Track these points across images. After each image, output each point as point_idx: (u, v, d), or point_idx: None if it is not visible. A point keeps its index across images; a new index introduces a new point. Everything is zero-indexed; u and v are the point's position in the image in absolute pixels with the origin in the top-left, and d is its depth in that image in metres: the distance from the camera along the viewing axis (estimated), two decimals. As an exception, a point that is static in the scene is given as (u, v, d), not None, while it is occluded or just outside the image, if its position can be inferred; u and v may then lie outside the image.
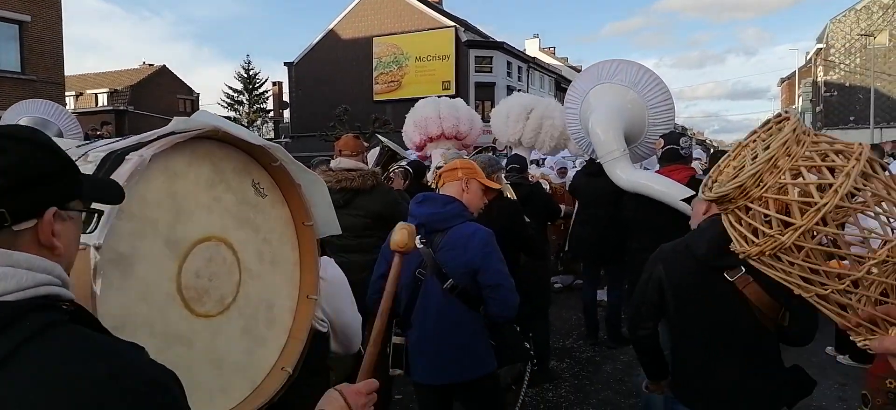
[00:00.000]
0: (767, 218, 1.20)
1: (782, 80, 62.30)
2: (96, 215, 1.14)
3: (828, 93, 41.81)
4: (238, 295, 1.56)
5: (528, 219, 5.27)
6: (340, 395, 1.43)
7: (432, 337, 3.05)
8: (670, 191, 4.99)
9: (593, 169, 6.42)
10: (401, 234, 2.04)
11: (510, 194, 5.55)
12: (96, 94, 43.52)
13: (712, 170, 1.46)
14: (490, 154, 7.82)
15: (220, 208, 1.56)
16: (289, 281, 1.77)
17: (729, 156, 1.46)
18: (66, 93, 24.19)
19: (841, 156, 1.17)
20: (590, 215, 6.52)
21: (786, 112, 1.41)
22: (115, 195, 1.18)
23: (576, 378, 5.83)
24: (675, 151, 5.25)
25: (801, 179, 1.17)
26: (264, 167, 1.71)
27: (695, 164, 6.13)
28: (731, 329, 2.56)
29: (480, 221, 3.22)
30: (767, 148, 1.27)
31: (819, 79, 43.98)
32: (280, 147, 1.74)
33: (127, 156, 1.33)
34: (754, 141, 1.38)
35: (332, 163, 4.33)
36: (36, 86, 18.97)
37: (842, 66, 41.68)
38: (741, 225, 1.30)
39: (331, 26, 43.02)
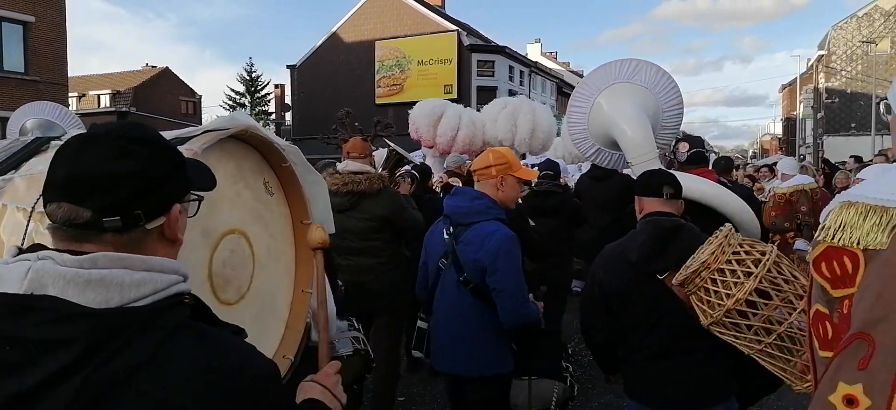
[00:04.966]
0: (718, 292, 1.76)
1: (783, 87, 62.36)
2: (198, 201, 1.19)
3: (829, 100, 41.86)
4: (251, 286, 1.66)
5: (553, 224, 5.35)
6: (314, 383, 1.50)
7: (444, 326, 3.14)
8: (720, 193, 4.74)
9: (598, 173, 6.43)
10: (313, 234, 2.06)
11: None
12: (99, 96, 43.59)
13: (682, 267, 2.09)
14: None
15: (241, 203, 1.66)
16: (287, 275, 1.90)
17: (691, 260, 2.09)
18: (69, 95, 24.23)
19: (761, 250, 1.80)
20: (594, 219, 6.53)
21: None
22: (210, 181, 1.25)
23: (578, 381, 5.81)
24: (701, 154, 5.15)
25: (735, 265, 1.78)
26: (273, 167, 1.82)
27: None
28: (666, 327, 2.64)
29: None
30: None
31: (820, 85, 44.04)
32: (297, 150, 1.86)
33: None
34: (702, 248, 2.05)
35: (340, 166, 4.35)
36: (39, 87, 19.01)
37: (843, 72, 41.75)
38: (701, 302, 1.84)
39: (333, 29, 43.09)
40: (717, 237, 1.95)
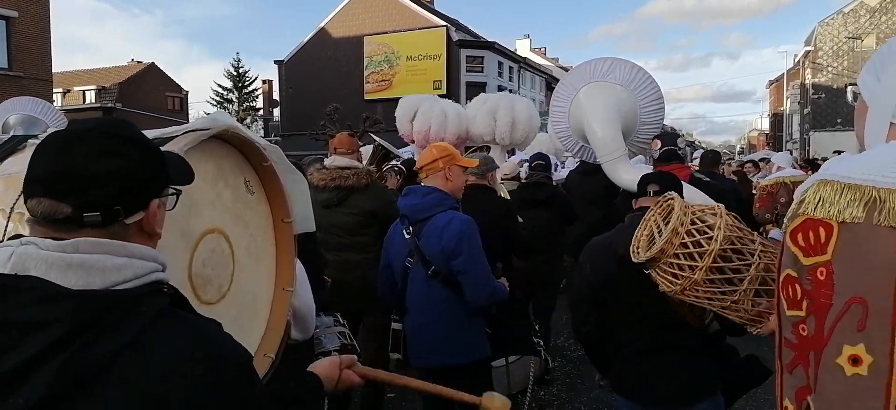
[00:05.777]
0: (681, 265, 1.99)
1: (770, 83, 62.83)
2: (176, 195, 1.20)
3: (816, 96, 42.21)
4: (231, 286, 1.66)
5: (545, 215, 5.35)
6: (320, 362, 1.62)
7: (418, 321, 3.23)
8: (689, 193, 4.82)
9: (587, 168, 6.43)
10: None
11: (504, 194, 5.56)
12: (84, 91, 43.08)
13: (632, 241, 2.25)
14: (485, 154, 7.82)
15: (221, 203, 1.66)
16: (268, 274, 1.91)
17: (640, 227, 2.28)
18: (54, 91, 23.97)
19: (712, 215, 2.02)
20: (584, 214, 6.52)
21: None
22: (187, 175, 1.27)
23: (567, 376, 5.86)
24: (673, 151, 5.25)
25: (694, 236, 1.98)
26: (254, 166, 1.83)
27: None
28: (652, 322, 2.66)
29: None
30: (667, 216, 2.13)
31: (807, 81, 44.39)
32: (277, 148, 1.90)
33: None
34: (653, 215, 2.22)
35: (327, 161, 4.32)
36: (23, 83, 18.80)
37: (829, 68, 42.09)
38: (665, 274, 2.03)
39: (321, 25, 42.87)
40: (662, 208, 2.18)
